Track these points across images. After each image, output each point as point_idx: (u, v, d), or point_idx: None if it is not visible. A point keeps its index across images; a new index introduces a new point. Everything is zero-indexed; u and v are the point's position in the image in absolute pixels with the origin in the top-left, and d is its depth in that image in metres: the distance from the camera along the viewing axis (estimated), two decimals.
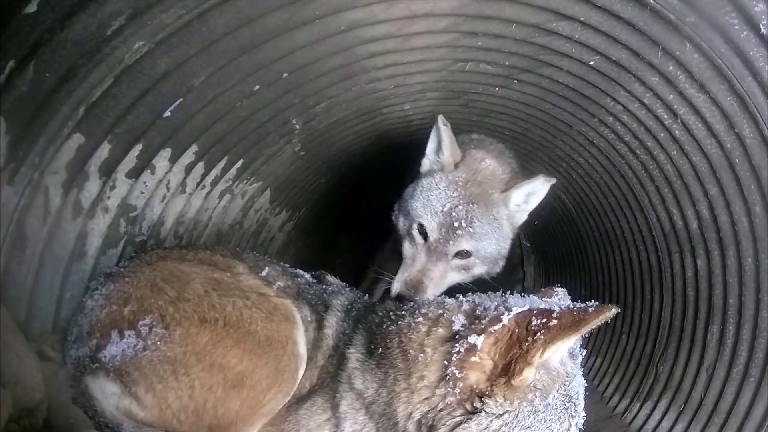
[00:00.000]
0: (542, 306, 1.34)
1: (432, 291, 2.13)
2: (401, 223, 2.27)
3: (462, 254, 2.15)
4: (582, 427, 1.42)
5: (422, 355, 1.37)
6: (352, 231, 4.54)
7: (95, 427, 1.43)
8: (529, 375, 1.26)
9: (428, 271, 2.14)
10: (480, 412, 1.28)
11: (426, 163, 2.28)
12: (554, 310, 1.28)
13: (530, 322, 1.28)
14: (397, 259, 2.47)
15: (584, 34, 2.05)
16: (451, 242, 2.10)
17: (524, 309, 1.33)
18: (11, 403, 1.23)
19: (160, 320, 1.46)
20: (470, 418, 1.28)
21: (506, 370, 1.28)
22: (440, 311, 1.45)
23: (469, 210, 2.10)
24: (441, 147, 2.21)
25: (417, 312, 1.48)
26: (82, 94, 1.50)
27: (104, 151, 1.66)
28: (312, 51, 1.96)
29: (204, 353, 1.44)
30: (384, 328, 1.50)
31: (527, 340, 1.25)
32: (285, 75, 2.00)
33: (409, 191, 2.27)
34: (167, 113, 1.76)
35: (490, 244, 2.17)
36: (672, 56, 1.94)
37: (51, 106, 1.45)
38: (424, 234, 2.14)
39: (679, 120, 2.14)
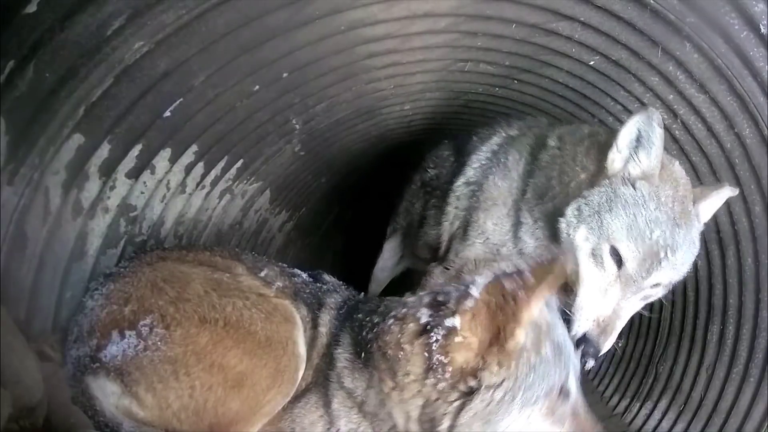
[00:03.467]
0: (505, 271, 1.35)
1: (616, 335, 1.77)
2: (581, 235, 1.78)
3: (654, 286, 1.79)
4: (578, 372, 1.47)
5: (401, 352, 1.38)
6: (352, 231, 4.54)
7: (95, 427, 1.43)
8: (521, 335, 1.28)
9: (621, 310, 1.75)
10: (479, 388, 1.28)
11: (617, 160, 1.77)
12: (523, 270, 1.30)
13: (503, 287, 1.29)
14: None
15: (584, 34, 2.05)
16: (651, 275, 1.73)
17: (490, 279, 1.34)
18: (11, 403, 1.23)
19: (161, 320, 1.46)
20: (471, 399, 1.29)
21: (494, 339, 1.29)
22: (404, 309, 1.46)
23: (675, 235, 1.72)
24: (645, 148, 1.73)
25: (387, 315, 1.50)
26: (82, 94, 1.49)
27: (104, 151, 1.66)
28: (312, 51, 1.96)
29: (204, 353, 1.45)
30: (364, 334, 1.52)
31: (509, 303, 1.27)
32: (285, 75, 2.00)
33: (597, 200, 1.75)
34: (167, 113, 1.76)
35: (684, 272, 1.81)
36: (672, 56, 1.94)
37: (51, 106, 1.44)
38: (618, 259, 1.73)
39: (679, 120, 2.14)
